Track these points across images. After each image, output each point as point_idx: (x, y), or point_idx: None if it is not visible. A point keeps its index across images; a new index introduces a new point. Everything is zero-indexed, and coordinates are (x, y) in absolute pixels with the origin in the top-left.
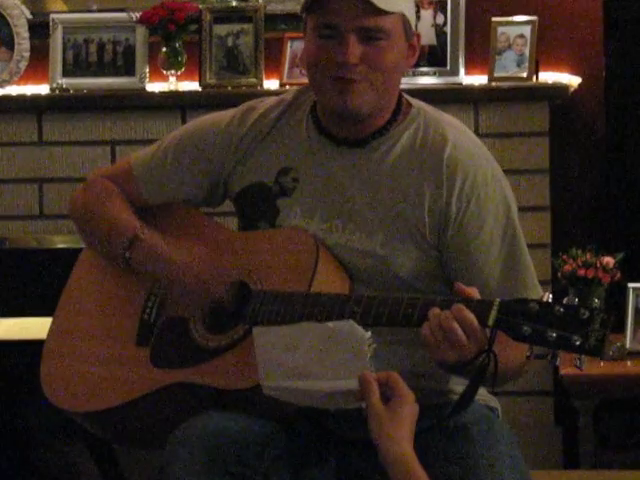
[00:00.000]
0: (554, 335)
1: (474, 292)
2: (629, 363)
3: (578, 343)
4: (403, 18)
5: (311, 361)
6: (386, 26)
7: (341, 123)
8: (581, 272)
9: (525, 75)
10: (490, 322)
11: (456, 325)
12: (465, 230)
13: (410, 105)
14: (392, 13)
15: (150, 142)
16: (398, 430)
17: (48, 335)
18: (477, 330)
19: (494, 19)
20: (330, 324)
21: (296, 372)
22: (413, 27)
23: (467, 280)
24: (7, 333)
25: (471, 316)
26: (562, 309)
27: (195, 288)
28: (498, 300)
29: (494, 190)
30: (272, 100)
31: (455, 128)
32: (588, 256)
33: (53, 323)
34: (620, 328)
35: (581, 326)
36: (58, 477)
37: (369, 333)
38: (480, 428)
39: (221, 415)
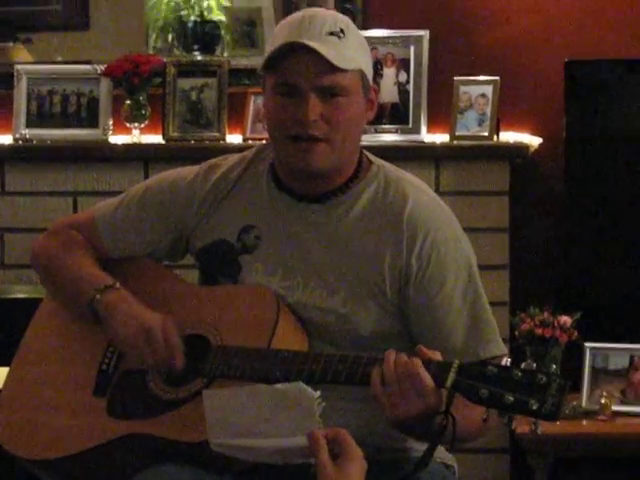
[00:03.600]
0: (511, 399)
1: (436, 355)
2: (584, 422)
3: (535, 408)
4: (361, 74)
5: (259, 421)
6: (345, 83)
7: (301, 180)
8: (538, 331)
9: (486, 134)
10: (448, 384)
11: (409, 384)
12: (426, 288)
13: (371, 163)
14: (350, 70)
15: (113, 194)
16: None
17: (4, 383)
18: (431, 390)
19: (456, 78)
20: (279, 386)
21: (244, 431)
22: (370, 81)
23: (430, 337)
24: None
25: (427, 377)
26: (520, 373)
27: None
28: (457, 362)
29: (455, 248)
30: (234, 158)
31: (415, 187)
32: (546, 315)
33: (10, 371)
34: (576, 387)
35: (538, 391)
36: None
37: (318, 392)
38: None
39: (175, 469)
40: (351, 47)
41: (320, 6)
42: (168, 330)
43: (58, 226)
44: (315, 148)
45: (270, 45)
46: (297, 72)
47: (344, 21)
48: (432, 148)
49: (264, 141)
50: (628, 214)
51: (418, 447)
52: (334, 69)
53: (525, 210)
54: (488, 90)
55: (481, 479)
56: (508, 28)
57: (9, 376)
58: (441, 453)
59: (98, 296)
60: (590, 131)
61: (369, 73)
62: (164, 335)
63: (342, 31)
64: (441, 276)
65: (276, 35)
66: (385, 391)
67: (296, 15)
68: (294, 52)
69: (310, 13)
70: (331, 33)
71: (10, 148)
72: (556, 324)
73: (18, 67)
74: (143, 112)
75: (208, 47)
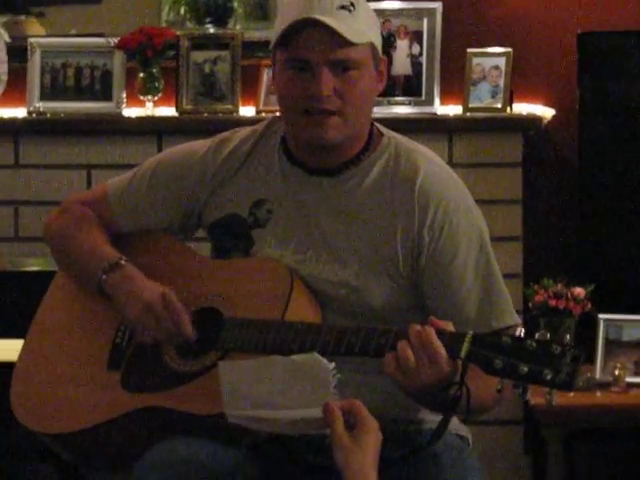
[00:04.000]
0: (525, 369)
1: (448, 326)
2: (598, 394)
3: (549, 377)
4: (372, 46)
5: (275, 392)
6: (356, 57)
7: (313, 153)
8: (552, 302)
9: (499, 106)
10: (462, 354)
11: (424, 356)
12: (438, 259)
13: (382, 134)
14: (362, 44)
15: (126, 167)
16: (362, 458)
17: (19, 357)
18: (445, 361)
19: (469, 50)
20: (295, 357)
21: (260, 402)
22: (380, 53)
23: (443, 309)
24: None
25: (441, 347)
26: (534, 344)
27: None
28: (471, 333)
29: (467, 219)
30: (245, 131)
31: (427, 158)
32: (559, 287)
33: (25, 345)
34: (590, 359)
35: (552, 361)
36: None
37: (333, 364)
38: (450, 456)
39: (190, 441)
40: (362, 20)
41: None
42: (169, 301)
43: (70, 203)
44: (328, 121)
45: (281, 16)
46: (309, 47)
47: None
48: (445, 120)
49: (277, 113)
50: None
51: (433, 418)
52: (346, 43)
53: (538, 182)
54: (501, 62)
55: (495, 451)
56: (520, 0)
57: (23, 350)
58: (455, 425)
59: (104, 277)
60: (603, 102)
61: (379, 45)
62: (166, 306)
63: (352, 4)
64: (453, 247)
65: (286, 6)
66: (399, 361)
67: None
68: (306, 27)
69: None
70: (342, 7)
71: (24, 121)
72: (570, 296)
73: (31, 40)
74: (156, 85)
75: (221, 20)
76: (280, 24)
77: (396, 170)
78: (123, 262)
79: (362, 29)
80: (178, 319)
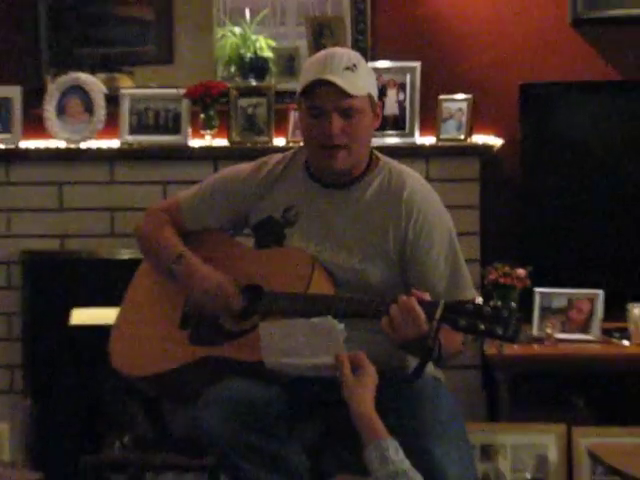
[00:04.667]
0: (482, 327)
1: (426, 296)
2: (535, 346)
3: (500, 333)
4: (370, 96)
5: (300, 345)
6: (358, 105)
7: (327, 174)
8: (501, 280)
9: (462, 137)
10: (437, 317)
11: (409, 318)
12: (419, 251)
13: (378, 159)
14: (361, 95)
15: (191, 183)
16: (363, 394)
17: (115, 321)
18: (423, 321)
19: (440, 97)
20: (314, 320)
21: (289, 353)
22: (376, 99)
23: (422, 285)
24: (86, 319)
25: (421, 312)
26: (489, 309)
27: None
28: (443, 301)
29: (439, 221)
30: (278, 157)
31: (411, 177)
32: (506, 268)
33: (120, 312)
34: (528, 321)
35: (502, 321)
36: (122, 423)
37: (342, 325)
38: (429, 392)
39: (239, 381)
40: (361, 77)
41: (341, 45)
42: (223, 289)
43: (152, 210)
44: (337, 154)
45: (303, 75)
46: (323, 99)
47: (356, 57)
48: (423, 147)
49: (301, 143)
50: (566, 195)
51: (414, 364)
52: (350, 95)
53: (491, 192)
54: (464, 105)
55: (460, 389)
56: (478, 59)
57: (119, 316)
58: (431, 369)
59: (173, 266)
60: (539, 135)
61: (375, 94)
62: (220, 293)
63: (355, 65)
64: (429, 242)
65: (307, 68)
66: (391, 322)
67: (321, 54)
68: (321, 84)
69: (331, 52)
70: (347, 68)
71: (117, 150)
72: (514, 275)
73: (122, 91)
74: (213, 123)
75: (260, 75)
76: (303, 80)
77: (389, 186)
78: (184, 254)
79: (362, 84)
80: (232, 297)
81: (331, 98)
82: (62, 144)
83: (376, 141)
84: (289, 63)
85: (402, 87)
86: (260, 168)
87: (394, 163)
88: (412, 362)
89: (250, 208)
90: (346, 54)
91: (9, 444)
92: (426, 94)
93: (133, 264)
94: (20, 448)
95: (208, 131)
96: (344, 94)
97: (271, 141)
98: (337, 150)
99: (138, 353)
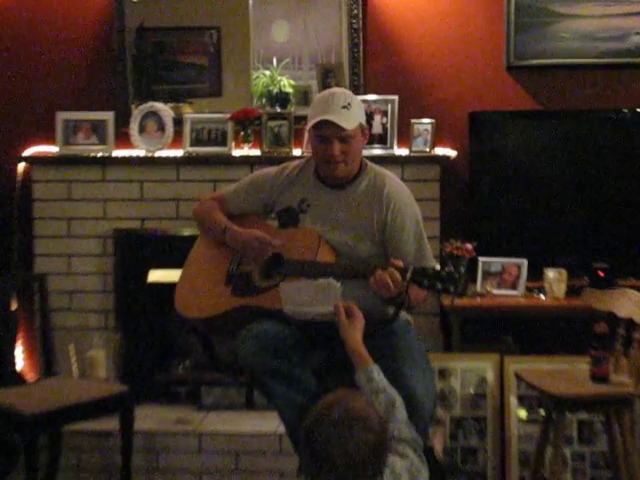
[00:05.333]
0: (440, 286)
1: (399, 263)
2: (478, 299)
3: (452, 290)
4: (360, 124)
5: (309, 298)
6: (352, 133)
7: (330, 179)
8: (455, 252)
9: (428, 150)
10: (408, 278)
11: (388, 279)
12: (395, 232)
13: (366, 165)
14: (354, 127)
15: (233, 181)
16: (354, 333)
17: (180, 276)
18: (398, 281)
19: (412, 120)
20: (320, 280)
21: (301, 303)
22: (365, 124)
23: (397, 256)
24: (159, 278)
25: (397, 274)
26: (445, 273)
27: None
28: (412, 267)
29: (410, 210)
30: (295, 162)
31: (390, 178)
32: (458, 243)
33: (183, 271)
34: (474, 281)
35: (454, 281)
36: (184, 351)
37: (339, 283)
38: (402, 330)
39: (267, 322)
40: (353, 113)
41: (341, 84)
42: (259, 236)
43: (205, 199)
44: (337, 167)
45: (312, 109)
46: (327, 131)
47: (350, 96)
48: (399, 157)
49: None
50: (501, 191)
51: (391, 311)
52: (345, 128)
53: (447, 189)
54: (429, 127)
55: (424, 331)
56: (439, 94)
57: (181, 274)
58: (404, 314)
59: (225, 234)
60: (482, 148)
61: (364, 121)
62: (257, 239)
63: (349, 104)
64: (402, 224)
65: (314, 104)
66: (376, 282)
67: (324, 93)
68: (324, 122)
69: (332, 93)
70: (343, 107)
71: (182, 158)
72: (464, 248)
73: (185, 116)
74: (250, 139)
75: (283, 104)
76: (312, 115)
77: (374, 185)
78: (229, 225)
79: (354, 118)
80: (265, 241)
81: (331, 130)
82: (142, 153)
83: (366, 152)
84: (304, 96)
85: (385, 113)
86: (282, 170)
87: (378, 168)
88: (390, 309)
89: (275, 199)
90: (342, 95)
91: (105, 366)
92: (402, 119)
93: (192, 239)
94: (112, 369)
95: (246, 144)
96: (341, 127)
97: (291, 151)
98: (337, 164)
99: (194, 301)
